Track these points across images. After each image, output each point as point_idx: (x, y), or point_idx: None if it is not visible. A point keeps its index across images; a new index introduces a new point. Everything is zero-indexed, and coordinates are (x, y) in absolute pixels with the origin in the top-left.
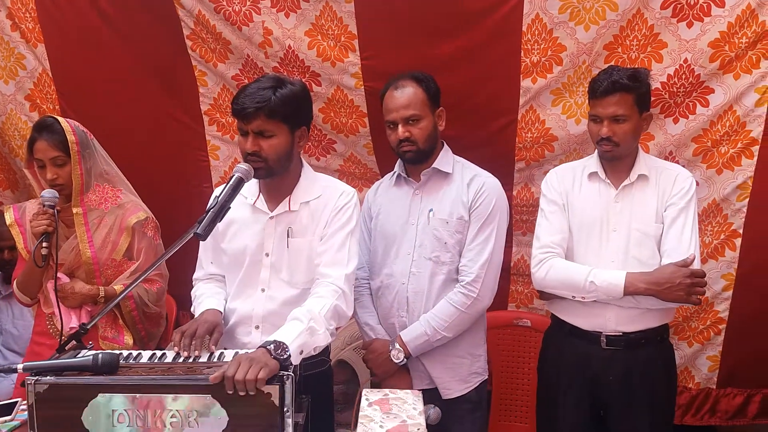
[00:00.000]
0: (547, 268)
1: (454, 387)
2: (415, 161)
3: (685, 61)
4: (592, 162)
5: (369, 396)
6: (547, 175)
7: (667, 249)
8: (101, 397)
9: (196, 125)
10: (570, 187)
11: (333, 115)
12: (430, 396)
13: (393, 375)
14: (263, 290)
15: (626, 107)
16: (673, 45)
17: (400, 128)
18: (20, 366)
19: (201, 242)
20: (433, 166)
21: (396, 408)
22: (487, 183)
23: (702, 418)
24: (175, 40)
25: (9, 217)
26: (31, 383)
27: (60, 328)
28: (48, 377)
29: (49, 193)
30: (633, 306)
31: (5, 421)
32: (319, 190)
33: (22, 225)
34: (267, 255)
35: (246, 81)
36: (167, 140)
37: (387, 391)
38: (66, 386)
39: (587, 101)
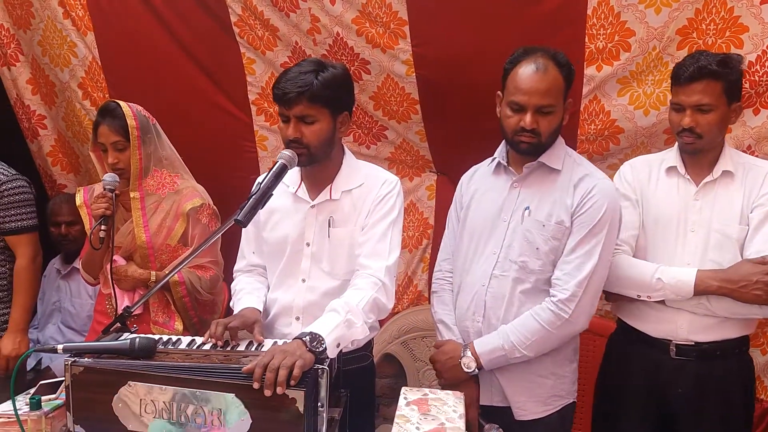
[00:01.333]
0: (613, 264)
1: (529, 408)
2: (530, 153)
3: None
4: (671, 155)
5: (408, 395)
6: (622, 167)
7: (751, 253)
8: (131, 386)
9: (243, 115)
10: (646, 181)
11: (383, 102)
12: (501, 415)
13: (461, 383)
14: (304, 281)
15: (713, 96)
16: (756, 29)
17: (529, 116)
18: (60, 346)
19: (243, 232)
20: (539, 159)
21: (435, 409)
22: (599, 186)
23: None
24: (222, 28)
25: (79, 198)
26: (68, 364)
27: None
28: (85, 359)
29: (109, 177)
30: (707, 314)
31: (49, 400)
32: (362, 178)
33: (89, 207)
34: (308, 245)
35: None
36: (214, 130)
37: (427, 390)
38: (99, 370)
39: (656, 91)
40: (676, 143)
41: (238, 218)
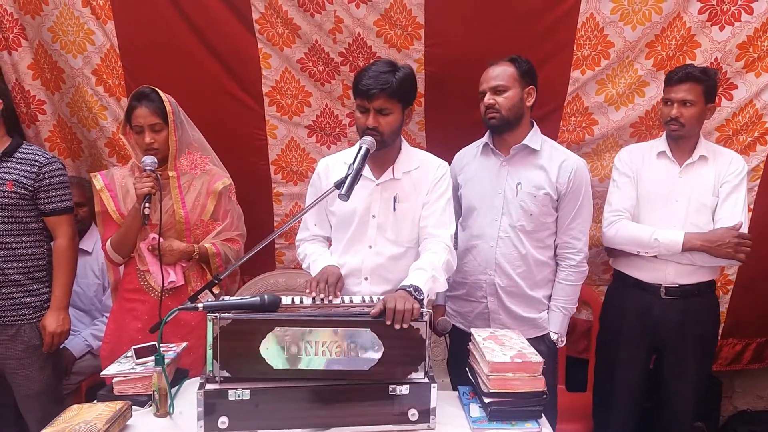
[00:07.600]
0: (617, 228)
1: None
2: (496, 128)
3: (716, 59)
4: (659, 143)
5: (480, 333)
6: (620, 152)
7: (720, 217)
8: (278, 331)
9: (256, 106)
10: (640, 162)
11: None
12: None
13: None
14: (371, 247)
15: (695, 94)
16: (706, 45)
17: (487, 96)
18: (200, 305)
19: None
20: (523, 142)
21: (507, 341)
22: (578, 165)
23: None
24: (243, 24)
25: (98, 183)
26: (215, 318)
27: (154, 283)
28: (227, 314)
29: (150, 159)
30: (689, 263)
31: (145, 362)
32: (417, 162)
33: (112, 190)
34: (374, 217)
35: (311, 65)
36: (226, 119)
37: (491, 330)
38: (246, 321)
39: (626, 91)
40: (664, 134)
41: (342, 193)
